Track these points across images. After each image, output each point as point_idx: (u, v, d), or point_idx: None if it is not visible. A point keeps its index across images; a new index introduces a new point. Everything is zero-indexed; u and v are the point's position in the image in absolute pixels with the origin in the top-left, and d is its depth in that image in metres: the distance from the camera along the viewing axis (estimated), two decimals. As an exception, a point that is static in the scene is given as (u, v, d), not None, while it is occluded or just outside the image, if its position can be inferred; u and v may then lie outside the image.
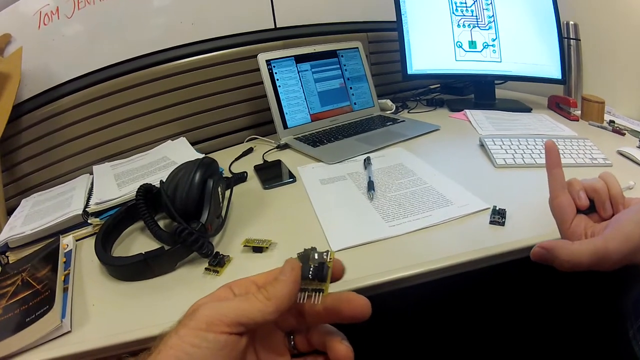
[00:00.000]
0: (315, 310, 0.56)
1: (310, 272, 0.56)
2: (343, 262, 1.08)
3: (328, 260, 0.58)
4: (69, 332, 0.93)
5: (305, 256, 0.59)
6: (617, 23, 2.02)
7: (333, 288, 0.58)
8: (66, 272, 1.12)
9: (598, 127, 1.88)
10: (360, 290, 0.97)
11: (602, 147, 1.58)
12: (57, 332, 0.91)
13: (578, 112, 2.03)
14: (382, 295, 1.00)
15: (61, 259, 1.13)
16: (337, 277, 0.60)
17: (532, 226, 1.14)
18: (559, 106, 2.13)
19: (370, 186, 1.40)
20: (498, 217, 1.17)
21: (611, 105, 1.98)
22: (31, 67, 1.70)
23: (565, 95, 2.19)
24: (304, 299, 0.55)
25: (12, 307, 0.97)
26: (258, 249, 1.13)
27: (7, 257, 1.27)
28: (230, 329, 0.47)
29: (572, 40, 2.15)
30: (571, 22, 2.13)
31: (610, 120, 1.87)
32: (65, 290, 1.04)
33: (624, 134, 1.74)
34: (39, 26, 1.70)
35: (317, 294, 0.56)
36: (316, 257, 0.58)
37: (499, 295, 1.53)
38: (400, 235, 1.15)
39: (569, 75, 2.18)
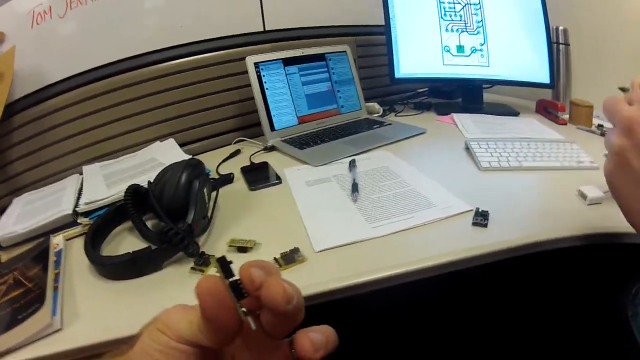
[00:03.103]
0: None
1: (244, 290, 0.44)
2: (325, 262, 1.11)
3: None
4: (59, 329, 0.94)
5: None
6: (607, 28, 2.04)
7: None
8: (57, 271, 1.13)
9: (586, 131, 1.90)
10: (342, 290, 1.00)
11: (589, 151, 1.59)
12: (48, 329, 0.92)
13: (566, 116, 2.04)
14: (364, 295, 1.02)
15: (51, 258, 1.14)
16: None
17: (514, 228, 1.16)
18: (547, 110, 2.15)
19: (355, 188, 1.42)
20: (480, 218, 1.19)
21: (600, 109, 1.99)
22: (23, 67, 1.70)
23: (553, 100, 2.21)
24: (254, 324, 0.44)
25: (3, 306, 0.98)
26: (242, 249, 1.14)
27: (-1, 256, 1.28)
28: (178, 339, 0.46)
29: (561, 45, 2.17)
30: (560, 27, 2.14)
31: (598, 124, 1.88)
32: (55, 288, 1.05)
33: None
34: (32, 25, 1.71)
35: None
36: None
37: (480, 295, 1.54)
38: (383, 236, 1.17)
39: (557, 80, 2.19)
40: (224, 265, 0.46)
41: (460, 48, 2.28)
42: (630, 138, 0.80)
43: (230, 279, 0.44)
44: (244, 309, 0.43)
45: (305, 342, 0.46)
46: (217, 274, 0.45)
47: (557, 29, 2.15)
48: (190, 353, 0.46)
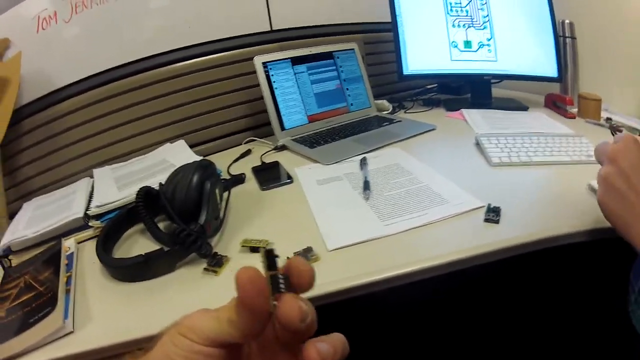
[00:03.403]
0: None
1: (282, 285, 0.46)
2: (338, 261, 1.10)
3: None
4: (71, 332, 0.94)
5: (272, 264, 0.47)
6: (613, 20, 2.03)
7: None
8: (68, 274, 1.13)
9: (595, 124, 1.89)
10: (356, 288, 0.99)
11: (598, 145, 1.58)
12: (60, 332, 0.92)
13: (575, 110, 2.03)
14: (378, 294, 1.02)
15: (63, 261, 1.14)
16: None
17: (526, 223, 1.15)
18: (556, 104, 2.14)
19: (366, 186, 1.41)
20: (492, 214, 1.18)
21: (608, 102, 1.98)
22: (30, 72, 1.70)
23: (561, 93, 2.20)
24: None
25: (15, 309, 0.98)
26: (255, 249, 1.14)
27: (10, 260, 1.28)
28: (204, 341, 0.46)
29: (567, 39, 2.15)
30: (567, 21, 2.13)
31: (607, 118, 1.88)
32: (67, 291, 1.05)
33: (621, 131, 1.74)
34: (38, 30, 1.71)
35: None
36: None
37: (493, 292, 1.54)
38: (396, 234, 1.17)
39: (565, 73, 2.18)
40: (271, 258, 0.47)
41: (467, 43, 2.27)
42: (614, 165, 0.98)
43: (272, 272, 0.46)
44: (275, 302, 0.44)
45: (312, 353, 0.46)
46: (261, 264, 0.47)
47: (563, 22, 2.14)
48: (214, 356, 0.47)
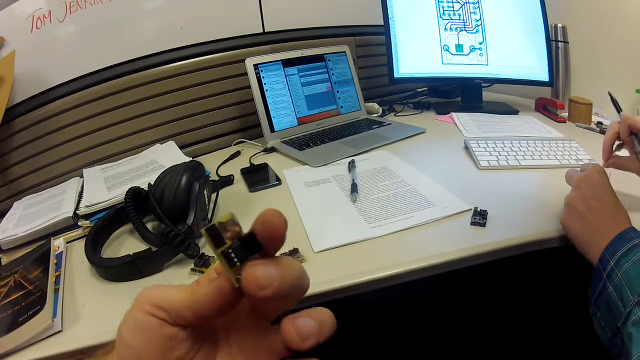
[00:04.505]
0: None
1: (235, 258, 0.41)
2: (324, 263, 1.11)
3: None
4: (59, 331, 0.95)
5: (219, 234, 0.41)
6: (606, 25, 2.03)
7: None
8: (57, 273, 1.14)
9: (586, 128, 1.91)
10: (341, 290, 1.00)
11: (589, 148, 1.60)
12: (49, 331, 0.93)
13: (565, 114, 2.05)
14: (363, 295, 1.02)
15: (52, 261, 1.14)
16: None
17: (512, 227, 1.16)
18: (546, 108, 2.15)
19: (354, 188, 1.42)
20: (479, 218, 1.19)
21: (599, 106, 1.99)
22: (23, 71, 1.71)
23: (552, 97, 2.21)
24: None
25: (4, 308, 0.98)
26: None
27: (0, 259, 1.29)
28: (151, 309, 0.42)
29: (560, 43, 2.17)
30: (559, 25, 2.15)
31: (597, 122, 1.90)
32: (56, 290, 1.06)
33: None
34: (32, 30, 1.71)
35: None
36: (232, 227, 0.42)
37: (479, 294, 1.55)
38: (382, 236, 1.18)
39: (556, 78, 2.20)
40: (213, 235, 0.41)
41: (459, 47, 2.28)
42: (578, 191, 1.11)
43: (220, 249, 0.41)
44: (239, 277, 0.40)
45: (290, 331, 0.42)
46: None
47: (555, 26, 2.15)
48: (159, 327, 0.42)
